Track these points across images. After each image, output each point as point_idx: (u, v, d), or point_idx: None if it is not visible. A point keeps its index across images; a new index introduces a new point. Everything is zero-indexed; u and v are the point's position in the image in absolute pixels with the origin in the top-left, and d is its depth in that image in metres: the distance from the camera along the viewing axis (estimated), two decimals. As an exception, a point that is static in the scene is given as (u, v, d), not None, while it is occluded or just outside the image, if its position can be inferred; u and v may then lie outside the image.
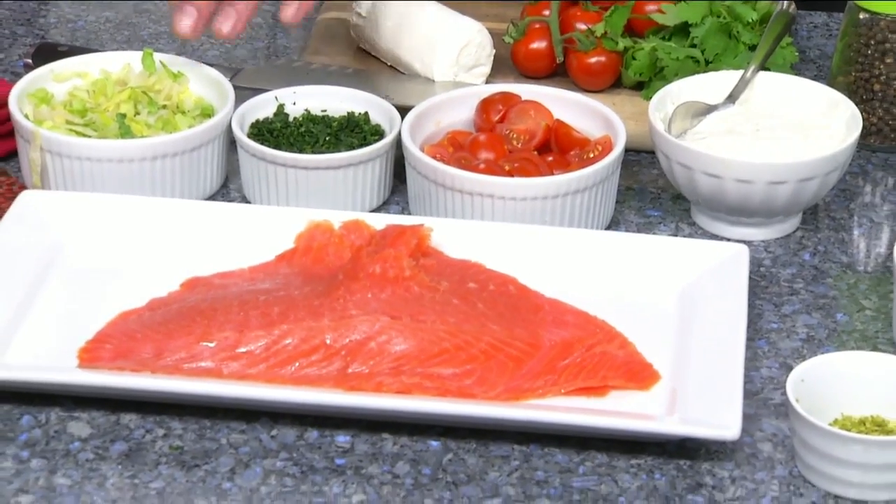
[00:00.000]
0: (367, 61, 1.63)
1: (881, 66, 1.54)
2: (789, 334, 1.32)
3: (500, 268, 1.32)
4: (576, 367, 1.23)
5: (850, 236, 1.44)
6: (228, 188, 1.48)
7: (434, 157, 1.40)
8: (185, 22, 1.46)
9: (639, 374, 1.24)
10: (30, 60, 1.62)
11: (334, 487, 1.16)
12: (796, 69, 1.60)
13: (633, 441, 1.20)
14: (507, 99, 1.47)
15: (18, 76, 1.59)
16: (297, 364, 1.23)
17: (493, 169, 1.39)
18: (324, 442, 1.20)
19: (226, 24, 1.48)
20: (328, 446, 1.19)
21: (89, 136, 1.44)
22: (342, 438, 1.20)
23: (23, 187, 1.44)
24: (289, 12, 1.51)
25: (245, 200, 1.46)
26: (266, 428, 1.21)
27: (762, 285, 1.36)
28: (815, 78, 1.56)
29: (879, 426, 1.19)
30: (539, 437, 1.20)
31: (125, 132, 1.44)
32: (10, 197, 1.41)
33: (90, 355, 1.25)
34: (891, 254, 1.41)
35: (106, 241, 1.36)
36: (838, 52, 1.57)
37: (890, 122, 1.54)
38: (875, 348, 1.29)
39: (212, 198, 1.47)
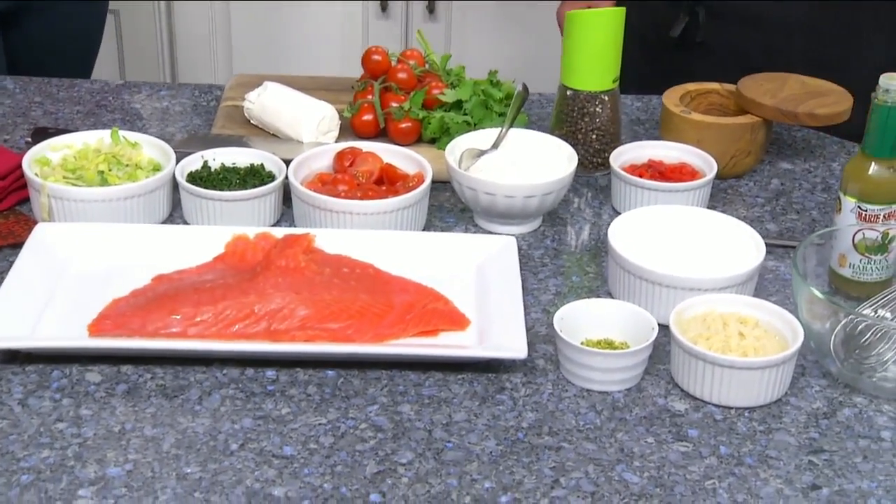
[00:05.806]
0: (257, 132, 1.57)
1: (581, 123, 1.54)
2: (544, 291, 1.31)
3: (361, 258, 1.29)
4: (416, 318, 1.21)
5: (573, 229, 1.44)
6: (174, 216, 1.41)
7: (311, 190, 1.36)
8: None
9: (457, 320, 1.22)
10: (30, 139, 1.54)
11: (268, 404, 1.12)
12: (528, 127, 1.59)
13: (458, 363, 1.17)
14: (353, 152, 1.43)
15: (22, 150, 1.51)
16: (236, 326, 1.18)
17: (350, 196, 1.36)
18: (258, 376, 1.15)
19: None
20: (262, 379, 1.15)
21: (80, 186, 1.36)
22: (270, 373, 1.16)
23: (35, 222, 1.36)
24: None
25: (186, 223, 1.40)
26: (219, 369, 1.16)
27: (524, 261, 1.35)
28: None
29: (609, 345, 1.19)
30: (398, 364, 1.17)
31: (104, 182, 1.37)
32: (28, 229, 1.33)
33: (96, 328, 1.18)
34: (598, 238, 1.41)
35: (97, 254, 1.29)
36: (554, 115, 1.57)
37: (587, 158, 1.55)
38: (598, 297, 1.29)
39: (164, 223, 1.40)
